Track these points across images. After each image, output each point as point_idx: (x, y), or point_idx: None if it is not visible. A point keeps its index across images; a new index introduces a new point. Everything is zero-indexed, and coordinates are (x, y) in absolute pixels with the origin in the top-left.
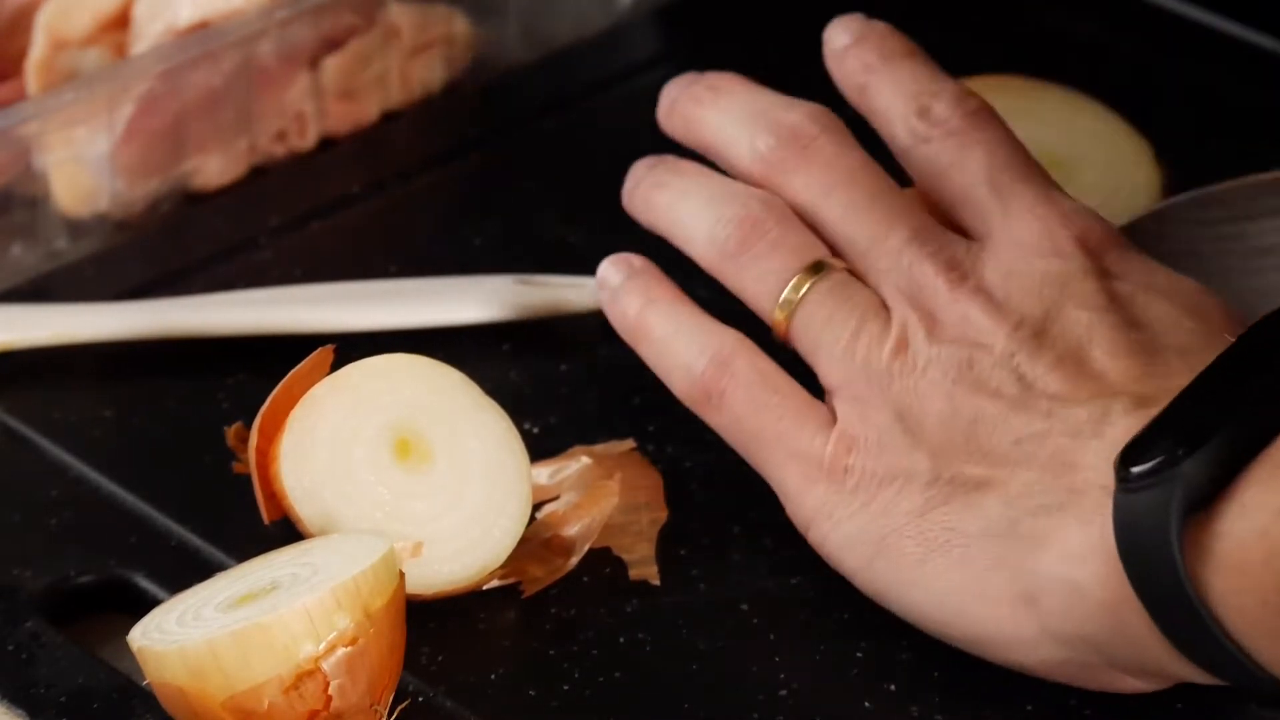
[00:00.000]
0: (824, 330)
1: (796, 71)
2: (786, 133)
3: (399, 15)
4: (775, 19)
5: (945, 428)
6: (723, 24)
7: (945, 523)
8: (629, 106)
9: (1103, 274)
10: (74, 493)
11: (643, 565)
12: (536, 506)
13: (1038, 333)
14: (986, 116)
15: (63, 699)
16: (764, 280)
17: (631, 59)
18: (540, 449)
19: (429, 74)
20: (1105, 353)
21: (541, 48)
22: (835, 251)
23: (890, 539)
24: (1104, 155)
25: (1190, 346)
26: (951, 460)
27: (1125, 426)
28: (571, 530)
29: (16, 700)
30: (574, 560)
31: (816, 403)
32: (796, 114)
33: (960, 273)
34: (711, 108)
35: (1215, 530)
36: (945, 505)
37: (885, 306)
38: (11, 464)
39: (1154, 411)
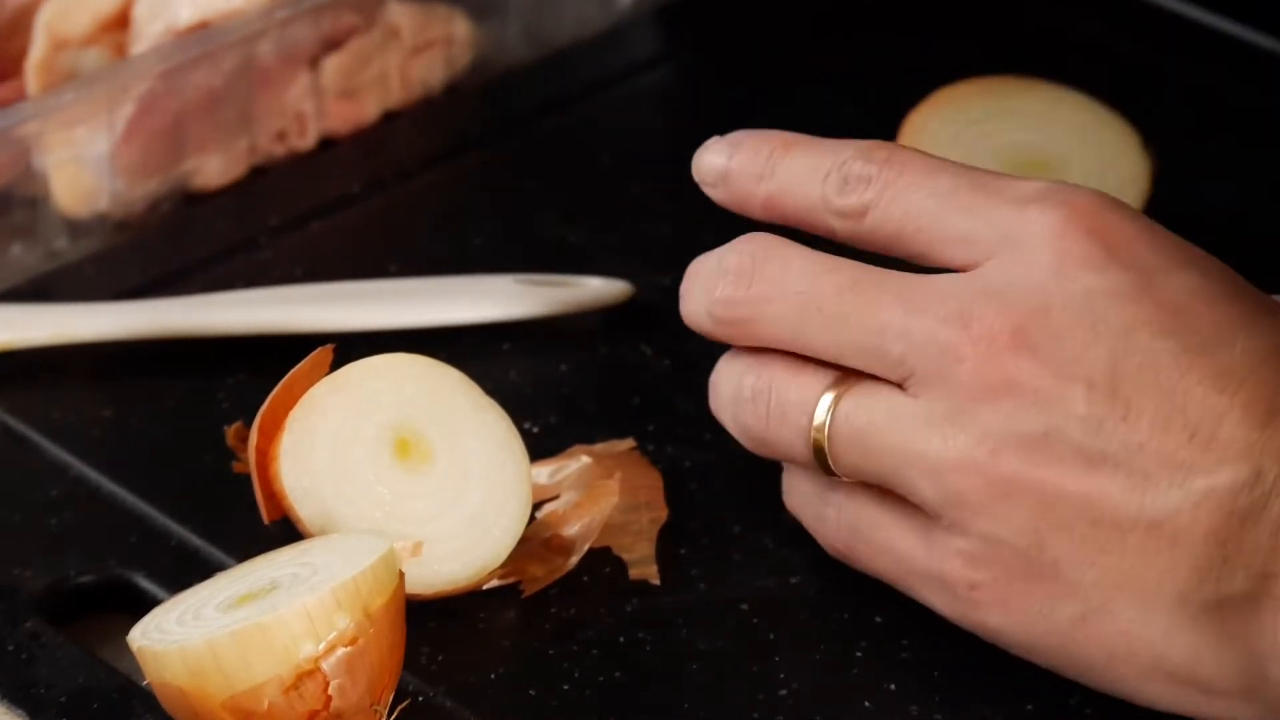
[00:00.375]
0: (868, 460)
1: (796, 71)
2: (729, 283)
3: (399, 15)
4: (775, 19)
5: (1059, 520)
6: (723, 24)
7: (1117, 627)
8: (629, 106)
9: (1146, 283)
10: (74, 493)
11: (643, 565)
12: (536, 506)
13: (1114, 385)
14: (902, 155)
15: (63, 699)
16: (792, 448)
17: (631, 59)
18: (540, 449)
19: (429, 74)
20: (1208, 390)
21: (541, 48)
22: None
23: (1066, 647)
24: (1090, 150)
25: (1274, 355)
26: (1085, 557)
27: None
28: (571, 530)
29: (16, 700)
30: (574, 560)
31: (923, 518)
32: (730, 256)
33: (984, 327)
34: (684, 301)
35: None
36: (1108, 607)
37: (914, 398)
38: (11, 464)
39: None
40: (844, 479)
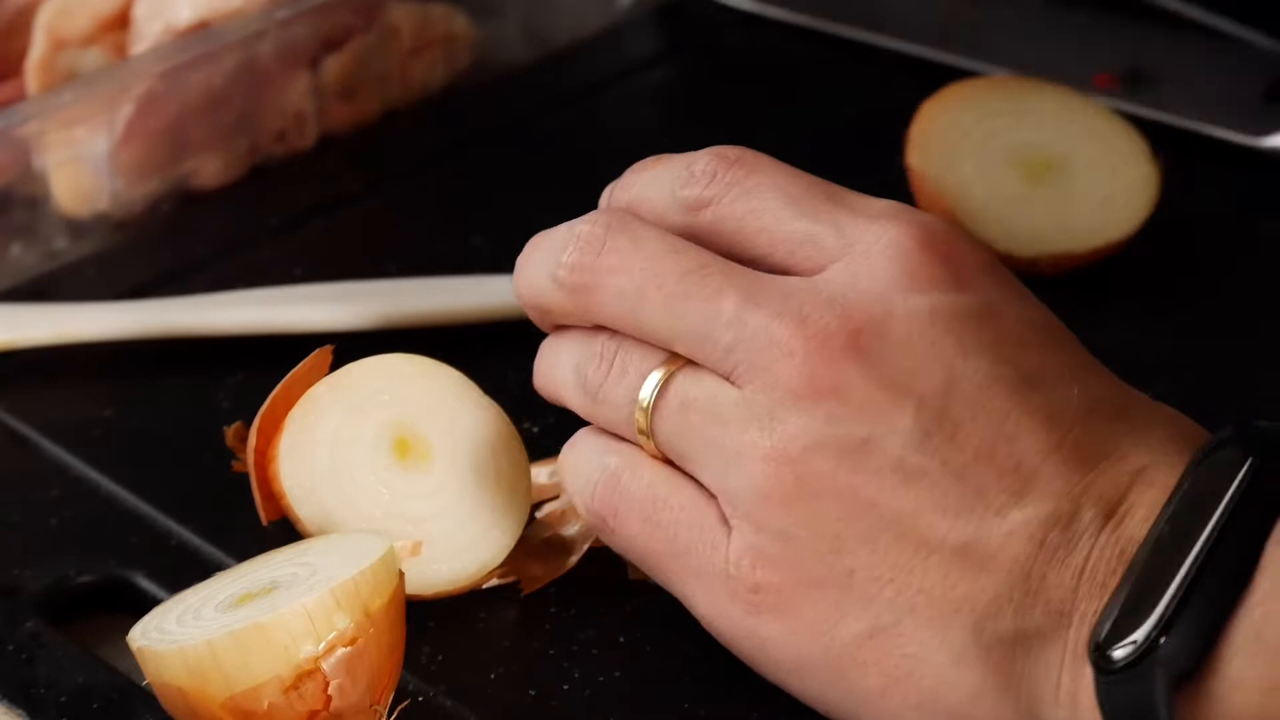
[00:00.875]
0: (685, 437)
1: (796, 71)
2: (577, 249)
3: (399, 15)
4: (774, 18)
5: (863, 530)
6: (723, 24)
7: (904, 649)
8: (629, 106)
9: (991, 311)
10: (74, 493)
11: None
12: (536, 506)
13: (946, 405)
14: (754, 156)
15: (63, 699)
16: (619, 408)
17: (631, 59)
18: (540, 449)
19: (429, 74)
20: (1039, 425)
21: (541, 47)
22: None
23: (842, 667)
24: (1099, 154)
25: (1111, 404)
26: (884, 571)
27: (1100, 550)
28: (571, 530)
29: (16, 700)
30: (573, 559)
31: (712, 505)
32: (583, 224)
33: (819, 327)
34: (522, 271)
35: (1209, 709)
36: (898, 627)
37: (740, 388)
38: (11, 464)
39: (1123, 525)
40: (650, 452)
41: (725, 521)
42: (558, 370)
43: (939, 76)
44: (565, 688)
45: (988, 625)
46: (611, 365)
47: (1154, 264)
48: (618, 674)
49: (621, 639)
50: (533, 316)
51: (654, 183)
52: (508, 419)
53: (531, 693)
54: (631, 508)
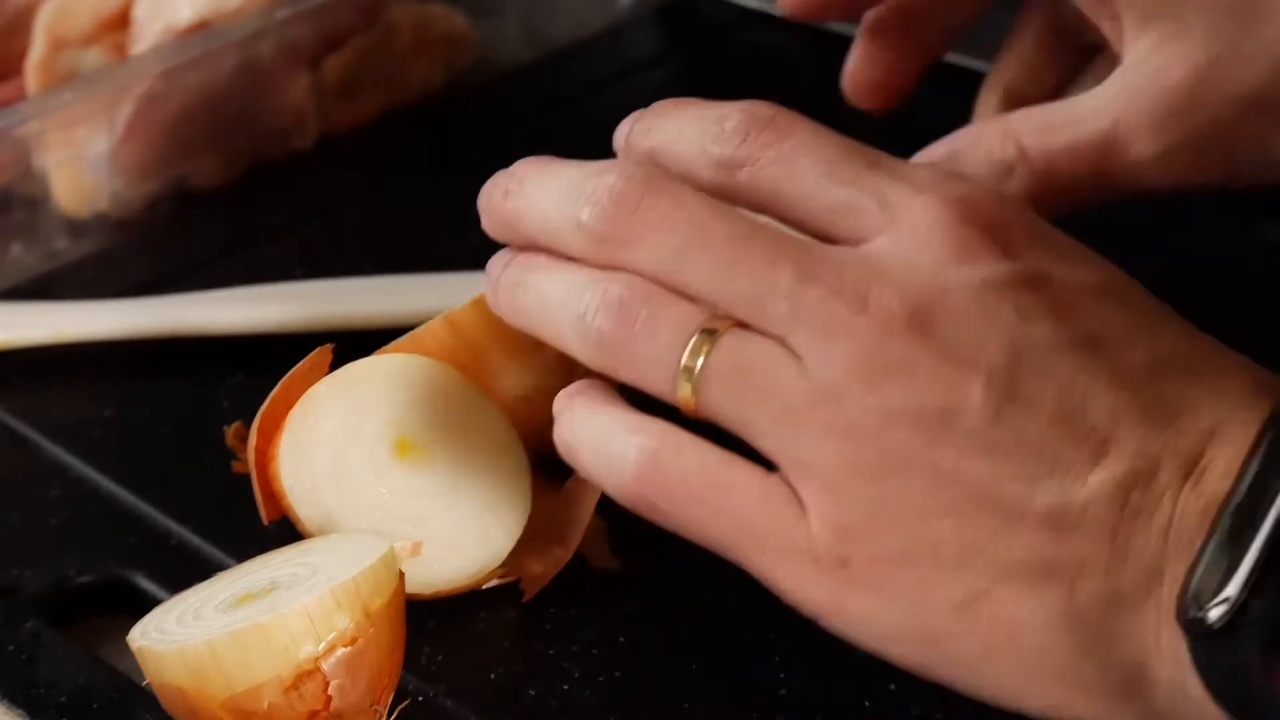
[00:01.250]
0: (741, 403)
1: (796, 70)
2: (608, 198)
3: (399, 15)
4: (775, 16)
5: (949, 501)
6: (723, 24)
7: (1000, 615)
8: (629, 106)
9: (1043, 280)
10: (74, 493)
11: (602, 556)
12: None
13: (1013, 377)
14: (789, 117)
15: (63, 699)
16: (655, 365)
17: (631, 59)
18: None
19: (429, 74)
20: (1107, 387)
21: (541, 48)
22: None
23: (939, 635)
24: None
25: (1179, 359)
26: (973, 542)
27: (1183, 507)
28: (565, 515)
29: (16, 700)
30: (570, 550)
31: (776, 480)
32: (613, 175)
33: (880, 305)
34: (522, 197)
35: None
36: (991, 595)
37: (797, 357)
38: (11, 464)
39: (1204, 481)
40: (687, 411)
41: (795, 492)
42: (548, 307)
43: (939, 74)
44: (565, 688)
45: (1080, 587)
46: (637, 319)
47: (1155, 264)
48: (618, 674)
49: (621, 639)
50: (503, 234)
51: (679, 132)
52: (506, 418)
53: (531, 693)
54: (685, 492)
